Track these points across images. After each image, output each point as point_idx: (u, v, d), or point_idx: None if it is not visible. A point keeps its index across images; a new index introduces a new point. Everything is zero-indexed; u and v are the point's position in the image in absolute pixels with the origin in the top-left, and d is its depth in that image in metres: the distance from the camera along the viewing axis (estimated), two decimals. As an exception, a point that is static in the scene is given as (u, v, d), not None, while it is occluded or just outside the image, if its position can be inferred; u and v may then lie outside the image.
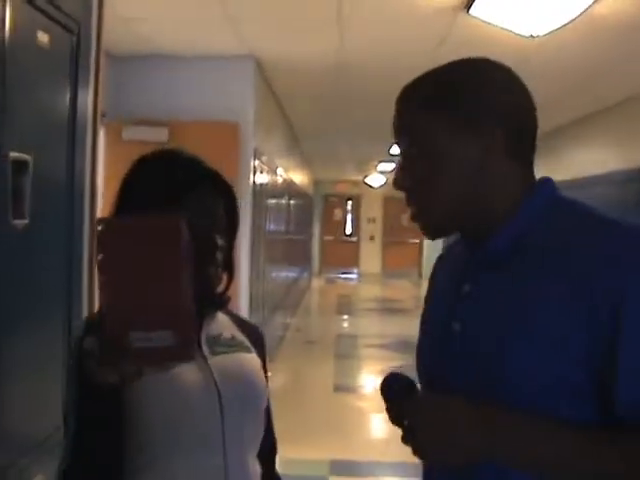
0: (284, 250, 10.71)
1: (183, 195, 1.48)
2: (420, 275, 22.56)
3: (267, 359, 1.67)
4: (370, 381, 9.21)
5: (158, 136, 5.67)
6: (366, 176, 20.58)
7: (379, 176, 19.85)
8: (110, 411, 1.30)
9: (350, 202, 23.88)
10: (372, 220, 23.51)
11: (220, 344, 1.55)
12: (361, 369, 9.99)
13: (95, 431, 1.31)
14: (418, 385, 1.31)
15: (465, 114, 1.24)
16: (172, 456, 1.40)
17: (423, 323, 1.44)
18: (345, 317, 14.49)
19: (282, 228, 10.50)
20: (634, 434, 1.11)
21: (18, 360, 1.94)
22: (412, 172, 1.28)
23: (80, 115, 2.24)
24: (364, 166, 18.08)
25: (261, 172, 7.13)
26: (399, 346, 11.04)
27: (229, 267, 1.58)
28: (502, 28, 4.57)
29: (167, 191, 1.48)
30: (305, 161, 15.93)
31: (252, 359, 1.60)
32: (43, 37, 1.87)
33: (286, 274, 11.39)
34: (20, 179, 1.77)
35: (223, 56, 6.07)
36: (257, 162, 6.67)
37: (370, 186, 21.57)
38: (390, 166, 16.64)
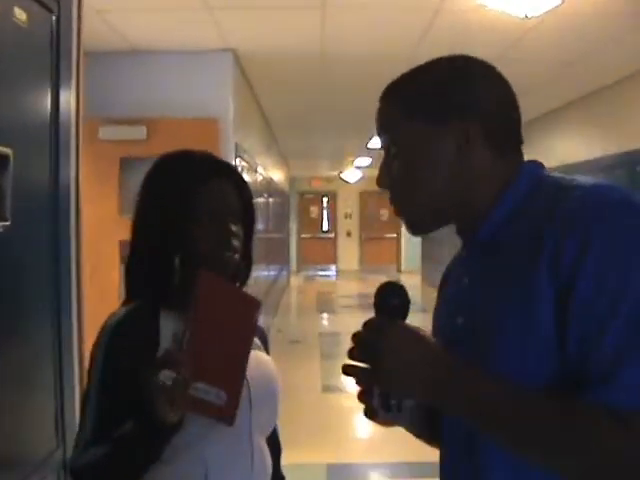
0: (264, 249, 10.59)
1: (200, 185, 1.62)
2: (399, 270, 22.61)
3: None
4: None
5: (136, 134, 5.51)
6: (341, 172, 20.54)
7: (355, 171, 19.84)
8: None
9: (326, 199, 23.81)
10: (349, 216, 23.49)
11: None
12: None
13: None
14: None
15: (442, 113, 1.28)
16: (205, 439, 1.52)
17: (434, 332, 1.44)
18: (326, 315, 14.44)
19: (262, 227, 10.38)
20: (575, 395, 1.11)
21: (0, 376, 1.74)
22: (392, 171, 1.33)
23: (63, 108, 2.04)
24: (339, 161, 18.05)
25: (242, 170, 6.97)
26: (384, 342, 11.00)
27: (247, 259, 1.72)
28: (495, 9, 4.43)
29: (183, 182, 1.62)
30: (282, 158, 15.80)
31: (267, 357, 1.79)
32: (21, 15, 1.67)
33: (266, 273, 11.26)
34: (-1, 176, 1.57)
35: (201, 50, 5.90)
36: (238, 160, 6.49)
37: (346, 181, 21.53)
38: (367, 161, 16.60)
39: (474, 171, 1.29)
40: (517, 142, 1.33)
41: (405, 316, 1.26)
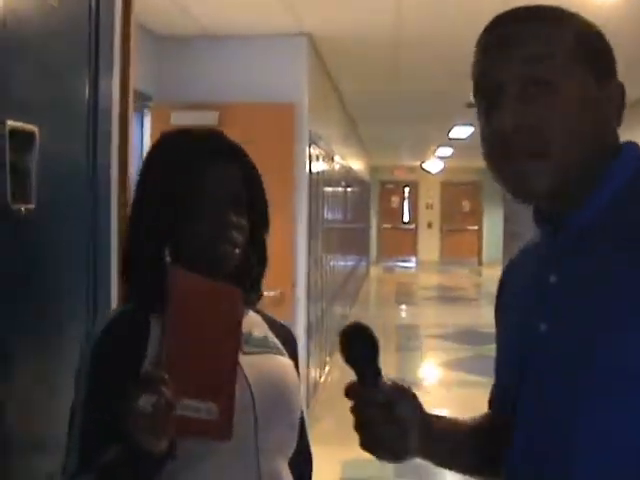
0: (342, 239, 10.47)
1: (195, 170, 1.44)
2: (480, 263, 22.26)
3: (299, 362, 1.60)
4: (434, 374, 8.95)
5: (208, 120, 5.41)
6: (423, 162, 20.29)
7: (437, 161, 19.59)
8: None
9: (407, 189, 23.58)
10: (430, 206, 23.22)
11: (251, 343, 1.48)
12: (425, 361, 9.73)
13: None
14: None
15: (607, 66, 1.16)
16: (200, 463, 1.34)
17: (499, 343, 1.30)
18: (405, 307, 14.28)
19: (340, 217, 10.26)
20: None
21: (23, 380, 1.61)
22: (543, 106, 1.11)
23: (103, 90, 1.91)
24: (421, 151, 17.81)
25: (317, 158, 6.83)
26: (462, 336, 10.89)
27: (259, 254, 1.54)
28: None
29: (175, 167, 1.45)
30: (361, 146, 15.64)
31: (285, 362, 1.54)
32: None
33: (344, 263, 11.14)
34: (23, 154, 1.45)
35: (275, 34, 5.78)
36: (313, 147, 6.36)
37: (427, 172, 21.26)
38: (449, 151, 16.31)
39: (608, 139, 1.15)
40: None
41: (373, 356, 1.19)
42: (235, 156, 1.50)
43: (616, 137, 1.17)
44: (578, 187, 1.13)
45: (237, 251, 1.45)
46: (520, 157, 1.11)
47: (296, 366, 1.57)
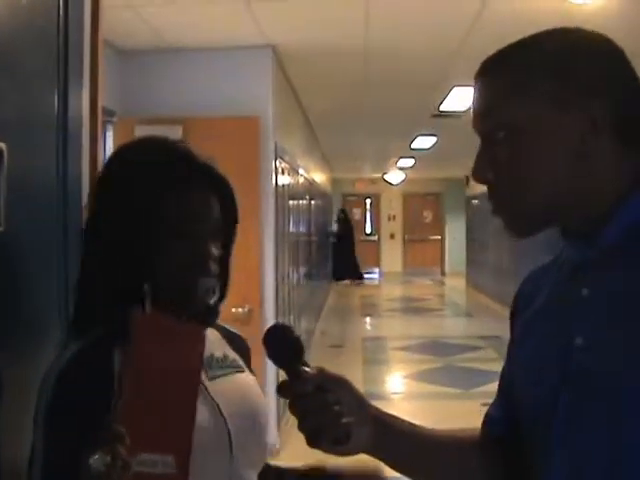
0: (307, 253, 10.41)
1: (166, 191, 1.33)
2: (443, 273, 22.37)
3: (264, 372, 1.60)
4: (401, 386, 8.91)
5: (172, 134, 5.23)
6: (385, 173, 20.32)
7: (399, 172, 19.63)
8: None
9: (369, 200, 23.61)
10: (392, 218, 23.26)
11: (214, 366, 1.42)
12: (391, 374, 9.68)
13: None
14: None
15: (564, 92, 1.07)
16: None
17: (516, 358, 1.26)
18: (369, 319, 14.25)
19: (304, 230, 10.20)
20: None
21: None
22: (496, 161, 1.11)
23: (73, 103, 1.82)
24: (383, 163, 17.86)
25: (282, 172, 6.78)
26: (427, 347, 10.92)
27: (224, 276, 1.44)
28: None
29: (144, 187, 1.33)
30: (324, 159, 15.63)
31: (249, 380, 1.49)
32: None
33: (309, 277, 11.09)
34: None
35: (239, 46, 5.72)
36: (279, 161, 6.30)
37: (389, 183, 21.31)
38: (410, 162, 16.37)
39: (599, 166, 1.08)
40: None
41: (297, 352, 1.20)
42: (212, 177, 1.41)
43: (632, 161, 1.11)
44: (598, 206, 1.10)
45: (214, 282, 1.39)
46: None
47: (250, 370, 1.53)
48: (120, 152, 1.44)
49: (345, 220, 21.07)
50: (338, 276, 19.93)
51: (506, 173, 1.11)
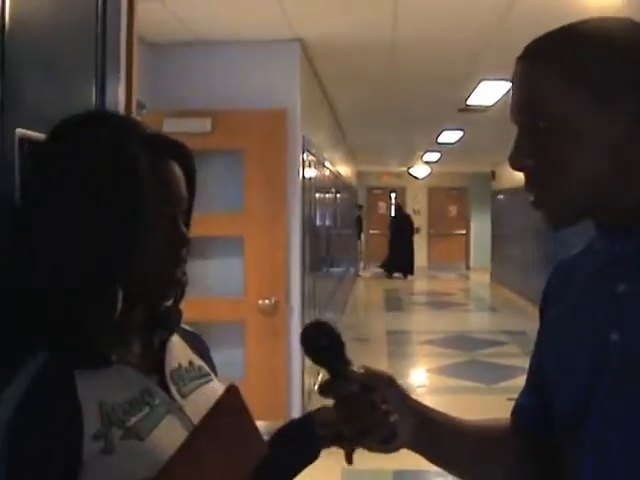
0: (332, 246, 10.43)
1: (142, 171, 1.15)
2: (468, 267, 22.28)
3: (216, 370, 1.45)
4: (425, 380, 8.91)
5: (201, 127, 5.36)
6: (410, 167, 20.27)
7: (424, 167, 19.58)
8: None
9: (394, 194, 23.55)
10: (417, 212, 23.19)
11: (183, 378, 1.31)
12: (415, 368, 9.68)
13: None
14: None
15: (612, 84, 1.06)
16: None
17: (547, 351, 1.25)
18: (394, 313, 14.25)
19: (330, 223, 10.22)
20: None
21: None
22: (537, 149, 1.10)
23: (110, 98, 1.85)
24: (408, 157, 17.81)
25: (309, 164, 6.80)
26: (452, 341, 10.91)
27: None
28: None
29: (114, 168, 1.15)
30: (350, 152, 15.62)
31: (216, 387, 1.36)
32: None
33: (335, 270, 11.10)
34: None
35: (267, 40, 5.72)
36: (306, 153, 6.32)
37: (415, 177, 21.25)
38: (436, 156, 16.31)
39: (638, 159, 1.08)
40: None
41: (338, 350, 1.17)
42: (180, 154, 1.28)
43: None
44: (636, 200, 1.10)
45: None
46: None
47: (214, 373, 1.43)
48: (70, 129, 1.24)
49: (402, 215, 21.06)
50: (390, 269, 19.92)
51: (546, 161, 1.10)
